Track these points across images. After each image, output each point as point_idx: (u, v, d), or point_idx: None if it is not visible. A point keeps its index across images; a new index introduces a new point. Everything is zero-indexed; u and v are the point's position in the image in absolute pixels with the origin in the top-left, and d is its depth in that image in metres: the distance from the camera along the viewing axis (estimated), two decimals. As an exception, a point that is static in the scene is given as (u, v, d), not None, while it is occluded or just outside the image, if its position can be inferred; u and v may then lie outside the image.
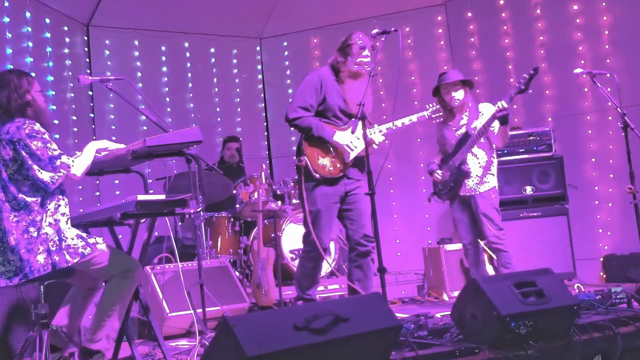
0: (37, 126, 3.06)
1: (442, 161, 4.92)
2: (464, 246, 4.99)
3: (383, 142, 4.23)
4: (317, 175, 4.14)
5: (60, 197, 3.12)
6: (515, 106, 4.74)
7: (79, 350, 3.17)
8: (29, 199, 3.01)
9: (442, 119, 4.84)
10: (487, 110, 4.75)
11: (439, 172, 4.86)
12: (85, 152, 3.19)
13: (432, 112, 4.43)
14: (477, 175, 4.74)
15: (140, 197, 2.99)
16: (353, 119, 4.00)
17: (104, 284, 3.23)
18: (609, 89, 4.86)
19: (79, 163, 3.13)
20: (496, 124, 4.65)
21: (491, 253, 5.18)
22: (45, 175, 3.00)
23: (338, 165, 4.17)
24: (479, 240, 4.94)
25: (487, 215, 4.70)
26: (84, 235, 3.12)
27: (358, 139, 4.13)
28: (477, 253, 4.91)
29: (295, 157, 4.28)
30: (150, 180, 4.19)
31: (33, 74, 3.40)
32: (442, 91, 4.80)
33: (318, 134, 4.13)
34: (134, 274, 3.20)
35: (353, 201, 4.24)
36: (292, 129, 4.41)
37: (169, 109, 7.26)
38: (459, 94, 4.75)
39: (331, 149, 4.18)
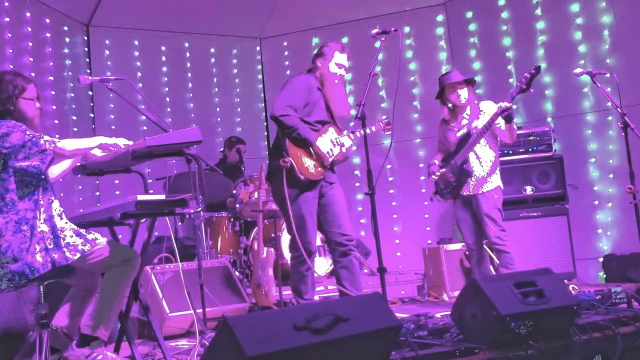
0: (12, 123, 3.01)
1: (444, 160, 4.92)
2: (467, 246, 4.97)
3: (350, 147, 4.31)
4: (302, 177, 4.07)
5: (52, 192, 3.11)
6: (515, 106, 4.72)
7: (78, 336, 3.19)
8: (17, 197, 2.99)
9: (444, 119, 4.92)
10: (488, 108, 4.75)
11: (438, 173, 4.86)
12: (86, 138, 3.17)
13: (384, 124, 4.44)
14: (479, 175, 4.74)
15: (140, 197, 2.98)
16: (326, 125, 4.20)
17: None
18: (609, 89, 4.86)
19: (71, 140, 3.10)
20: (501, 121, 4.64)
21: (491, 254, 5.18)
22: (34, 158, 2.97)
23: (319, 168, 4.17)
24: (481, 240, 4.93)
25: (489, 215, 4.69)
26: (82, 231, 3.12)
27: (331, 141, 4.20)
28: (481, 253, 4.89)
29: (273, 159, 4.19)
30: (150, 180, 4.19)
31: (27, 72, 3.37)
32: (448, 90, 4.80)
33: (305, 136, 4.10)
34: (134, 263, 3.23)
35: (327, 203, 4.22)
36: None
37: (169, 109, 7.26)
38: (464, 93, 4.77)
39: (312, 152, 4.16)
